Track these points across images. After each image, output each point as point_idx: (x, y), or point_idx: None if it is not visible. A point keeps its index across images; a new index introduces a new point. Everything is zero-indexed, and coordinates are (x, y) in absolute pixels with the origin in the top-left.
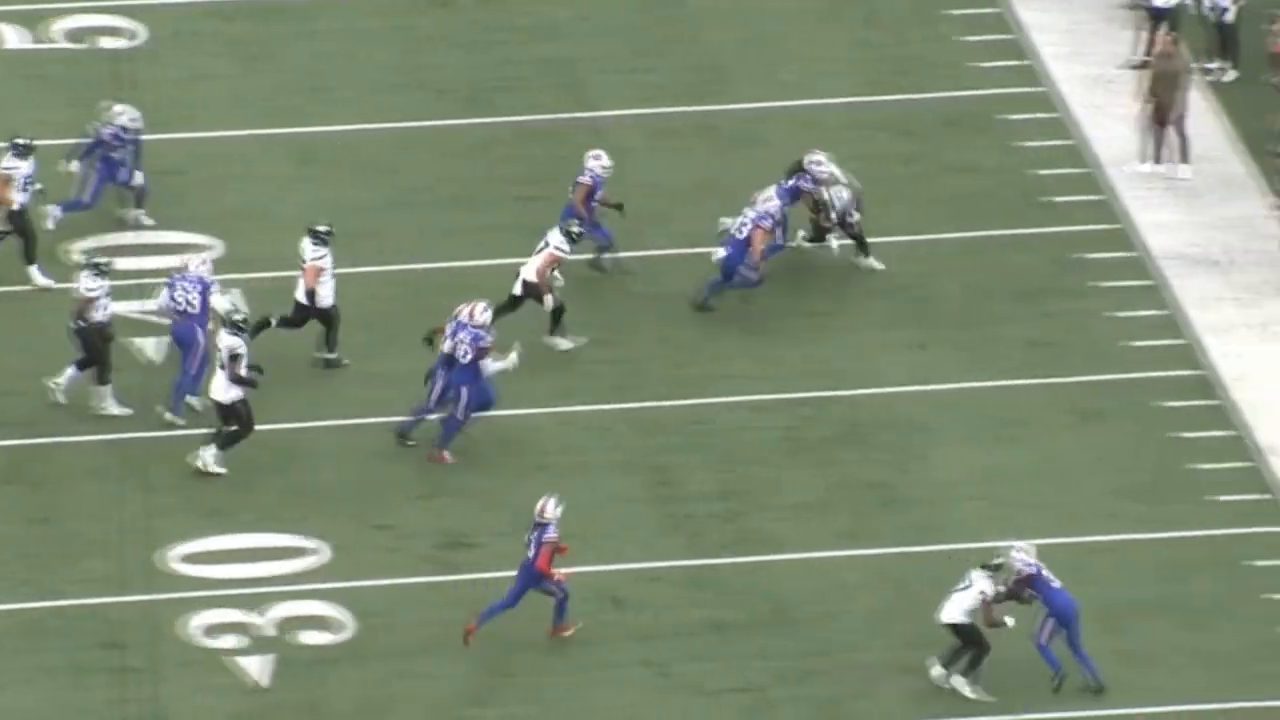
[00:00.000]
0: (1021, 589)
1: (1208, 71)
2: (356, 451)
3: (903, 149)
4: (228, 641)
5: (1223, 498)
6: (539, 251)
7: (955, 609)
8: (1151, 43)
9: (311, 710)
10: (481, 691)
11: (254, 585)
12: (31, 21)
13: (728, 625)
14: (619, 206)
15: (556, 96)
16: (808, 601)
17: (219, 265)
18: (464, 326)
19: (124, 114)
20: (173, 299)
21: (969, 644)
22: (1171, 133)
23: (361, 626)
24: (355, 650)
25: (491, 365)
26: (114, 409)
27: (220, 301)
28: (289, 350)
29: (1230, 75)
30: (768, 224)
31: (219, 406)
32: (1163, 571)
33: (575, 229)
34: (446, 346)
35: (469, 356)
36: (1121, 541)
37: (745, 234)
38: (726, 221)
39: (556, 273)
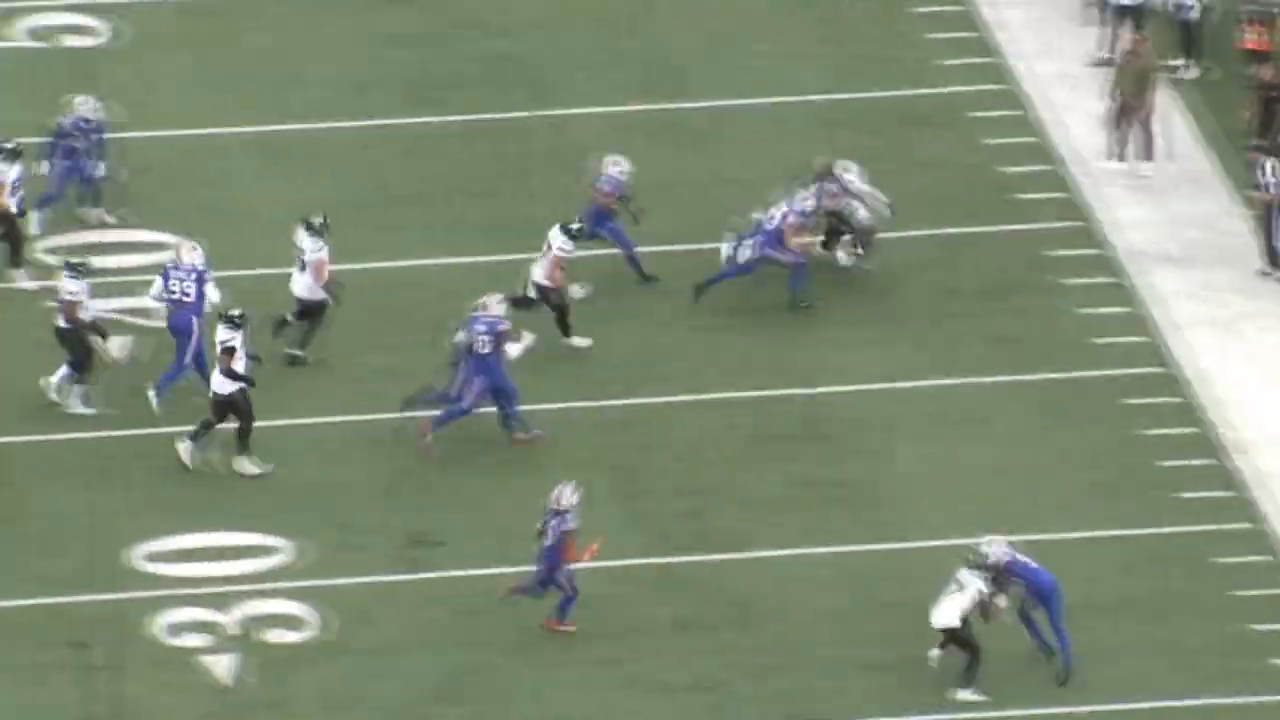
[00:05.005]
0: (1005, 579)
1: (1172, 69)
2: (323, 450)
3: (869, 146)
4: (195, 640)
5: (1189, 494)
6: (544, 255)
7: (949, 612)
8: (1117, 40)
9: (278, 708)
10: (447, 689)
11: (221, 584)
12: None
13: (692, 623)
14: (636, 217)
15: (516, 94)
16: (771, 599)
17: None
18: (478, 319)
19: (85, 104)
20: (167, 289)
21: (963, 648)
22: (1138, 130)
23: (328, 625)
24: (322, 649)
25: (513, 349)
26: (79, 408)
27: (214, 293)
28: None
29: (1192, 73)
30: (796, 220)
31: (217, 399)
32: (1129, 568)
33: (575, 226)
34: (460, 338)
35: (488, 347)
36: (1086, 539)
37: (775, 225)
38: (727, 240)
39: (577, 286)
